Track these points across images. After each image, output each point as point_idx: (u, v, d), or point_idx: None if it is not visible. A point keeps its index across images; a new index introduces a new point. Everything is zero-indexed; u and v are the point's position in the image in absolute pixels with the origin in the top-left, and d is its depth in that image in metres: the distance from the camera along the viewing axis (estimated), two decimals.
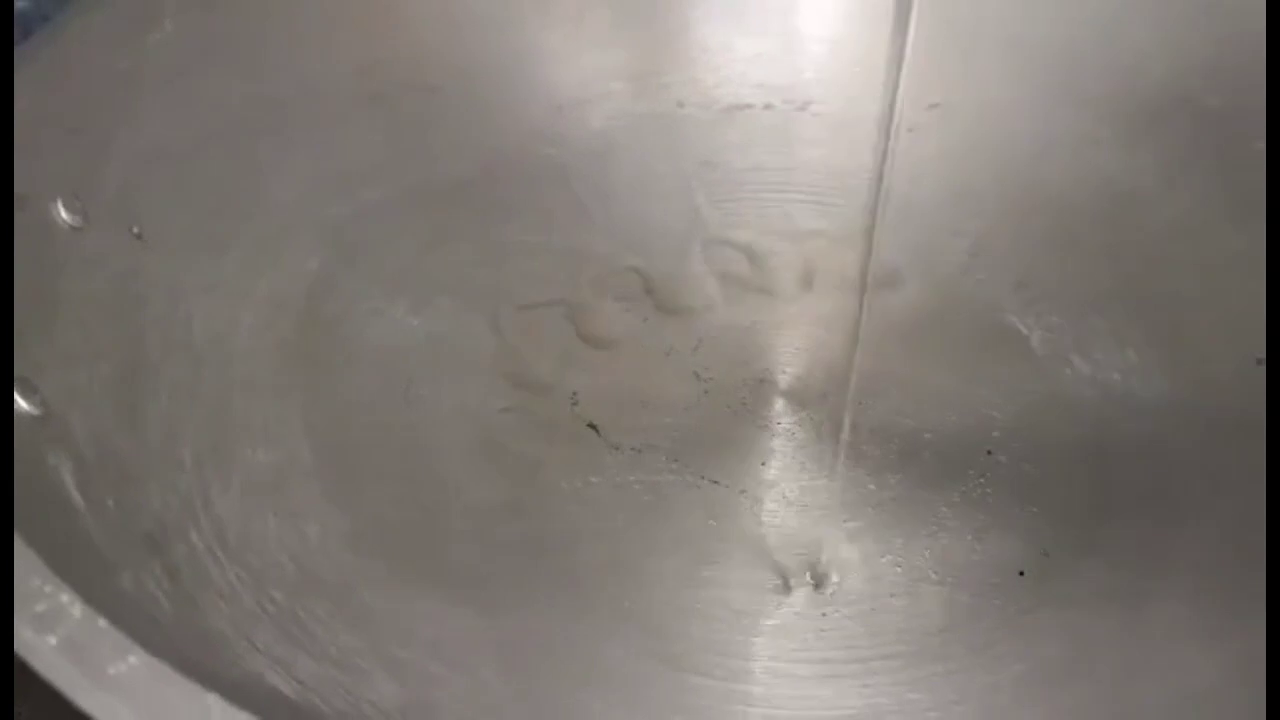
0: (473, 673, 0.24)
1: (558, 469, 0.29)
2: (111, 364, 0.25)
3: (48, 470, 0.22)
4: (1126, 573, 0.26)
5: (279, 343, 0.29)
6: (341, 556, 0.26)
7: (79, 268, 0.25)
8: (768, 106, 0.36)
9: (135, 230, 0.27)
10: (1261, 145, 0.31)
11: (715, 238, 0.34)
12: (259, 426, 0.27)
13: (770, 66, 0.36)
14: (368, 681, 0.23)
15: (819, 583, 0.27)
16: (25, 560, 0.17)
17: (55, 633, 0.16)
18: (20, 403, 0.22)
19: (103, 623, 0.17)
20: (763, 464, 0.29)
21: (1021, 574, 0.27)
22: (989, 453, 0.29)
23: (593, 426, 0.30)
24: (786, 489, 0.29)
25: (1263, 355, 0.29)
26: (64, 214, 0.25)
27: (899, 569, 0.27)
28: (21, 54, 0.26)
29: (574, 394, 0.30)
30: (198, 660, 0.19)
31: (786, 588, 0.27)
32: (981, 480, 0.29)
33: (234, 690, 0.16)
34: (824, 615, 0.26)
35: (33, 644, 0.16)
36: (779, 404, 0.31)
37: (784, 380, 0.31)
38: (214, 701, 0.16)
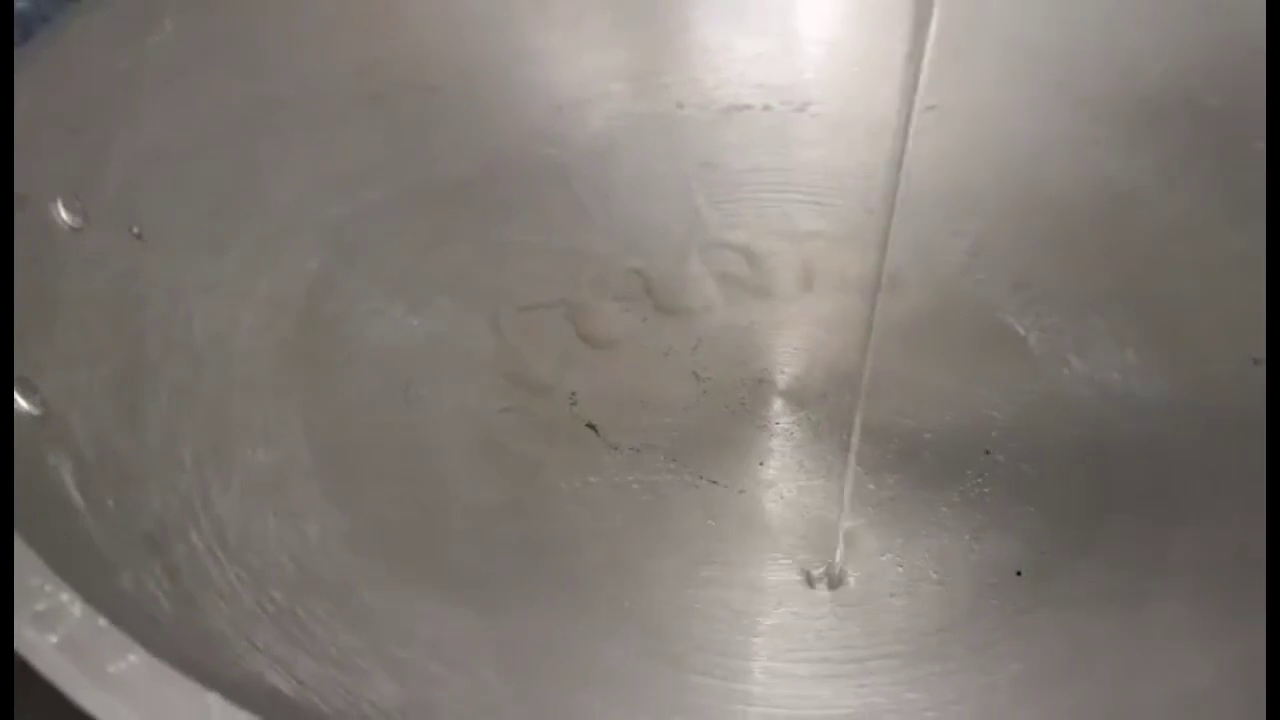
0: (472, 672, 0.24)
1: (557, 469, 0.29)
2: (111, 364, 0.25)
3: (48, 470, 0.22)
4: (1125, 573, 0.26)
5: (279, 343, 0.29)
6: (341, 556, 0.26)
7: (79, 268, 0.25)
8: (767, 107, 0.37)
9: (135, 230, 0.27)
10: (1261, 145, 0.31)
11: (714, 238, 0.34)
12: (259, 426, 0.27)
13: (769, 67, 0.37)
14: (367, 681, 0.23)
15: (836, 583, 0.27)
16: (25, 560, 0.17)
17: (56, 632, 0.17)
18: (20, 403, 0.22)
19: (103, 622, 0.17)
20: (761, 464, 0.29)
21: (1019, 574, 0.27)
22: (987, 453, 0.29)
23: (592, 426, 0.30)
24: (785, 489, 0.29)
25: (1260, 356, 0.29)
26: (64, 214, 0.25)
27: (898, 569, 0.27)
28: (22, 55, 0.26)
29: (573, 394, 0.31)
30: (198, 660, 0.19)
31: (784, 588, 0.27)
32: (980, 480, 0.29)
33: (234, 689, 0.16)
34: (822, 615, 0.26)
35: (33, 643, 0.16)
36: (777, 404, 0.31)
37: (782, 380, 0.31)
38: (214, 701, 0.16)
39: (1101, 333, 0.31)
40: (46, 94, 0.26)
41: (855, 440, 0.26)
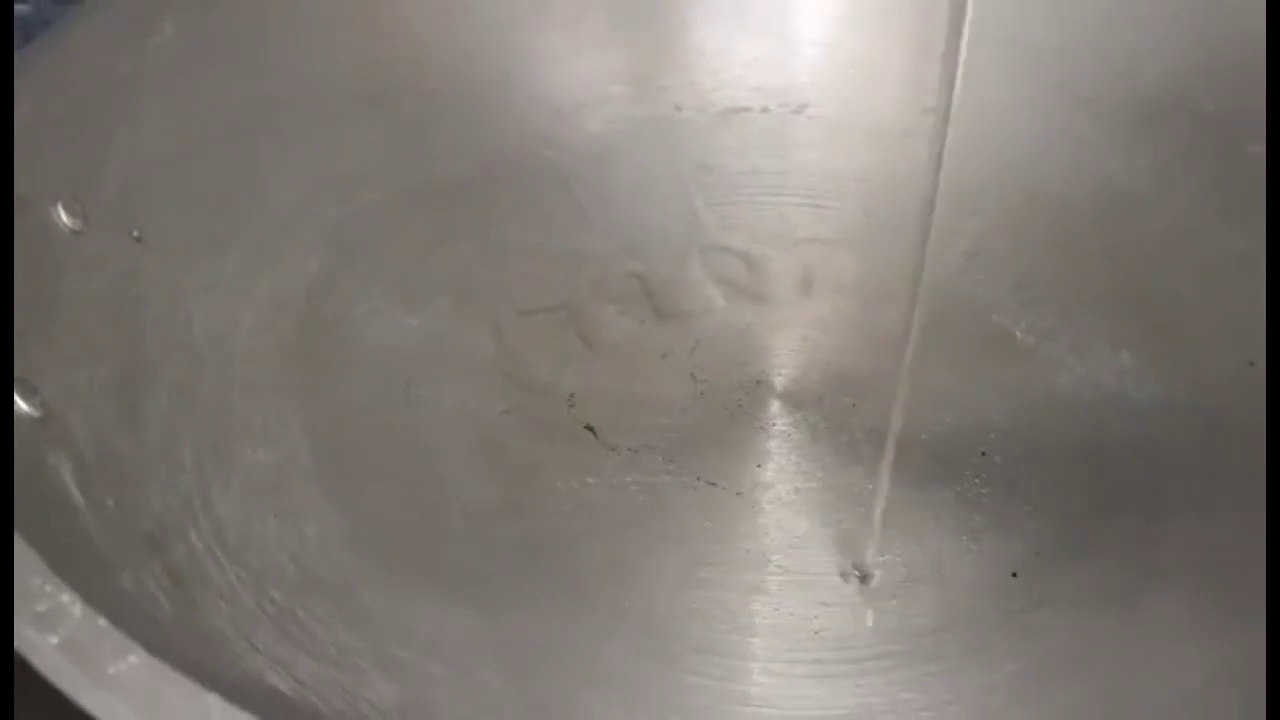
0: (471, 672, 0.24)
1: (555, 470, 0.29)
2: (112, 365, 0.25)
3: (48, 471, 0.22)
4: (1122, 573, 0.26)
5: (279, 343, 0.29)
6: (341, 556, 0.26)
7: (79, 270, 0.25)
8: (764, 110, 0.37)
9: (135, 234, 0.27)
10: (1260, 146, 0.31)
11: (712, 240, 0.35)
12: (259, 427, 0.28)
13: (767, 70, 0.37)
14: (366, 681, 0.23)
15: (864, 578, 0.27)
16: (26, 560, 0.18)
17: (56, 632, 0.17)
18: (20, 404, 0.22)
19: (103, 623, 0.17)
20: (759, 466, 0.29)
21: (1015, 575, 0.27)
22: (984, 454, 0.29)
23: (590, 428, 0.30)
24: (782, 490, 0.29)
25: (1256, 358, 0.29)
26: (65, 217, 0.25)
27: (895, 569, 0.27)
28: (22, 58, 0.26)
29: (571, 395, 0.31)
30: (197, 660, 0.19)
31: (782, 588, 0.27)
32: (977, 480, 0.29)
33: (233, 690, 0.16)
34: (818, 616, 0.26)
35: (34, 643, 0.17)
36: (775, 406, 0.31)
37: (780, 382, 0.31)
38: (213, 701, 0.16)
39: (1099, 333, 0.31)
40: (47, 97, 0.26)
41: (890, 448, 0.26)
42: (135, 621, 0.18)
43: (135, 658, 0.16)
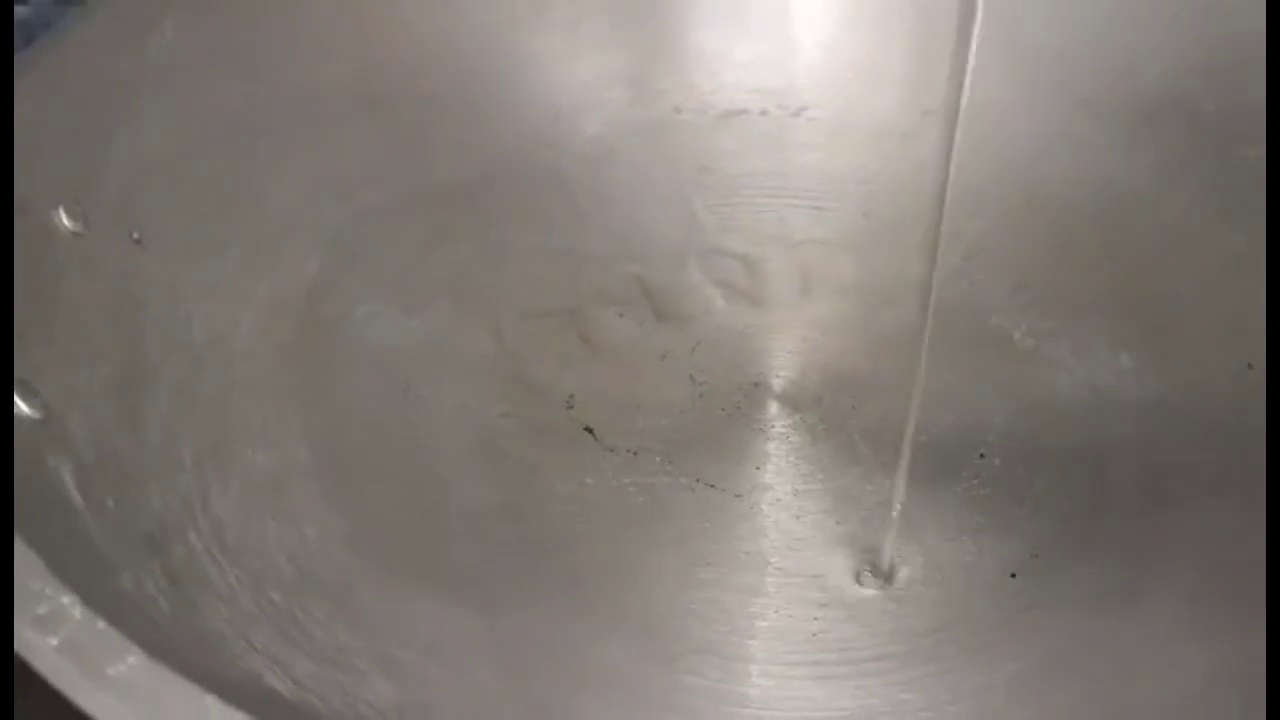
0: (470, 673, 0.24)
1: (554, 471, 0.29)
2: (112, 366, 0.25)
3: (48, 472, 0.22)
4: (1122, 573, 0.26)
5: (279, 344, 0.29)
6: (340, 557, 0.26)
7: (79, 272, 0.25)
8: (763, 112, 0.37)
9: (135, 235, 0.27)
10: (1255, 150, 0.31)
11: (711, 243, 0.35)
12: (258, 428, 0.28)
13: (766, 72, 0.37)
14: (365, 682, 0.23)
15: (888, 577, 0.27)
16: (26, 562, 0.18)
17: (56, 634, 0.17)
18: (20, 405, 0.22)
19: (102, 624, 0.17)
20: (757, 467, 0.29)
21: (1014, 576, 0.27)
22: (983, 455, 0.29)
23: (589, 429, 0.30)
24: (781, 492, 0.29)
25: (1255, 360, 0.29)
26: (65, 220, 0.25)
27: (894, 570, 0.27)
28: (22, 60, 0.26)
29: (570, 397, 0.31)
30: (196, 661, 0.19)
31: (780, 590, 0.27)
32: (976, 482, 0.29)
33: (232, 690, 0.16)
34: (817, 618, 0.26)
35: (34, 645, 0.17)
36: (774, 407, 0.31)
37: (779, 384, 0.31)
38: (212, 702, 0.16)
39: (1098, 334, 0.31)
40: (47, 99, 0.26)
41: (907, 450, 0.26)
42: (134, 622, 0.18)
43: (134, 659, 0.16)
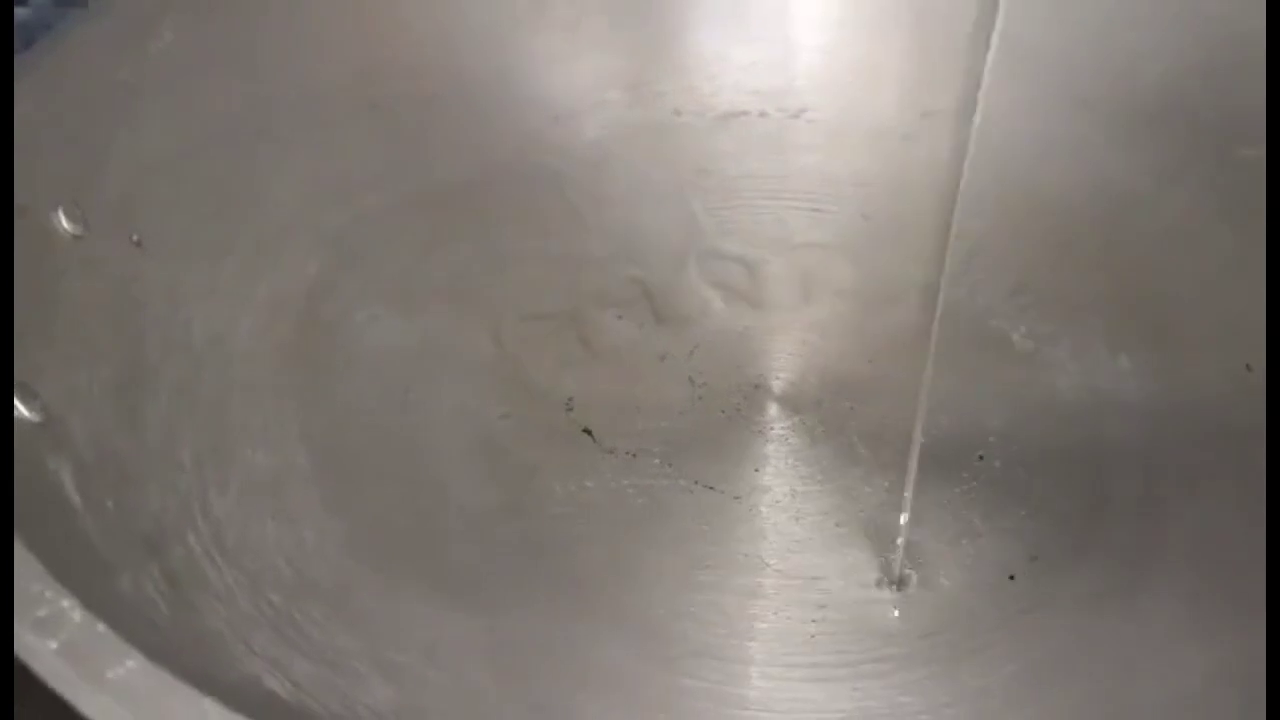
0: (469, 675, 0.24)
1: (553, 473, 0.29)
2: (111, 368, 0.25)
3: (48, 473, 0.22)
4: (1120, 574, 0.26)
5: (278, 346, 0.30)
6: (339, 560, 0.26)
7: (79, 274, 0.25)
8: (763, 114, 0.37)
9: (135, 238, 0.27)
10: (1253, 150, 0.31)
11: (710, 245, 0.35)
12: (258, 429, 0.28)
13: (765, 74, 0.37)
14: (364, 684, 0.23)
15: (900, 583, 0.27)
16: (26, 565, 0.18)
17: (56, 637, 0.17)
18: (20, 407, 0.22)
19: (102, 628, 0.17)
20: (756, 469, 0.29)
21: (1012, 578, 0.27)
22: (982, 457, 0.29)
23: (588, 431, 0.30)
24: (780, 493, 0.29)
25: (1254, 361, 0.29)
26: (65, 222, 0.25)
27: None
28: (22, 62, 0.26)
29: (569, 399, 0.31)
30: (195, 663, 0.19)
31: (779, 592, 0.27)
32: (975, 483, 0.29)
33: (230, 693, 0.16)
34: (816, 620, 0.26)
35: (33, 648, 0.17)
36: (773, 409, 0.31)
37: (778, 386, 0.31)
38: (211, 706, 0.16)
39: (1098, 336, 0.31)
40: (47, 101, 0.26)
41: (915, 454, 0.26)
42: (133, 625, 0.18)
43: (133, 662, 0.16)
